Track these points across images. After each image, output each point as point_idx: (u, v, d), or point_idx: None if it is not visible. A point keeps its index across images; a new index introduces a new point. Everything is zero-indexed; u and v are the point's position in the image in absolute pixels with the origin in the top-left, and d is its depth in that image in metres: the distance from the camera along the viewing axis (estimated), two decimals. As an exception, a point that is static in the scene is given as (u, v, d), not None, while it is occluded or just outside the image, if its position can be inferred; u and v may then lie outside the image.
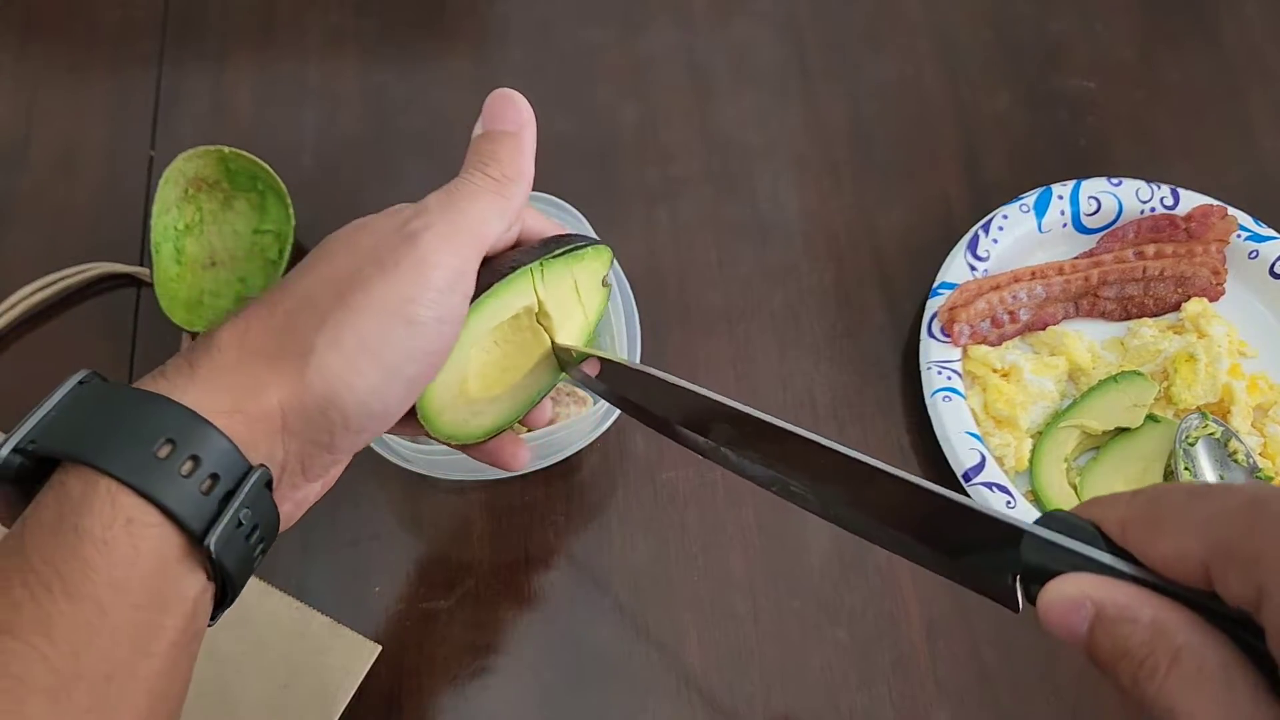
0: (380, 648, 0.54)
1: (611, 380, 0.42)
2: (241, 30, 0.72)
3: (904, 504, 0.31)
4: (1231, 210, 0.65)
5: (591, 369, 0.42)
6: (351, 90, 0.70)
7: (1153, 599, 0.25)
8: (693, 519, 0.58)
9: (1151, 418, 0.59)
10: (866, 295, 0.65)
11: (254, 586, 0.54)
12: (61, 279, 0.62)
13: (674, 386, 0.38)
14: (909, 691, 0.55)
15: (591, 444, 0.56)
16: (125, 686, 0.29)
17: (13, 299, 0.61)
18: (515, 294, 0.40)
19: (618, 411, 0.54)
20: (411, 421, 0.39)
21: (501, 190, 0.37)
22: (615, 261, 0.57)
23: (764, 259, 0.66)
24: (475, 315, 0.38)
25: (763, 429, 0.34)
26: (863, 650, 0.55)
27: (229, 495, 0.31)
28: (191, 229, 0.63)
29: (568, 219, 0.57)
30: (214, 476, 0.30)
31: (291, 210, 0.62)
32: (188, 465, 0.30)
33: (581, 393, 0.57)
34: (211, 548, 0.30)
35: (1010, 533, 0.28)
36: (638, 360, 0.55)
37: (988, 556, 0.29)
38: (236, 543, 0.31)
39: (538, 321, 0.42)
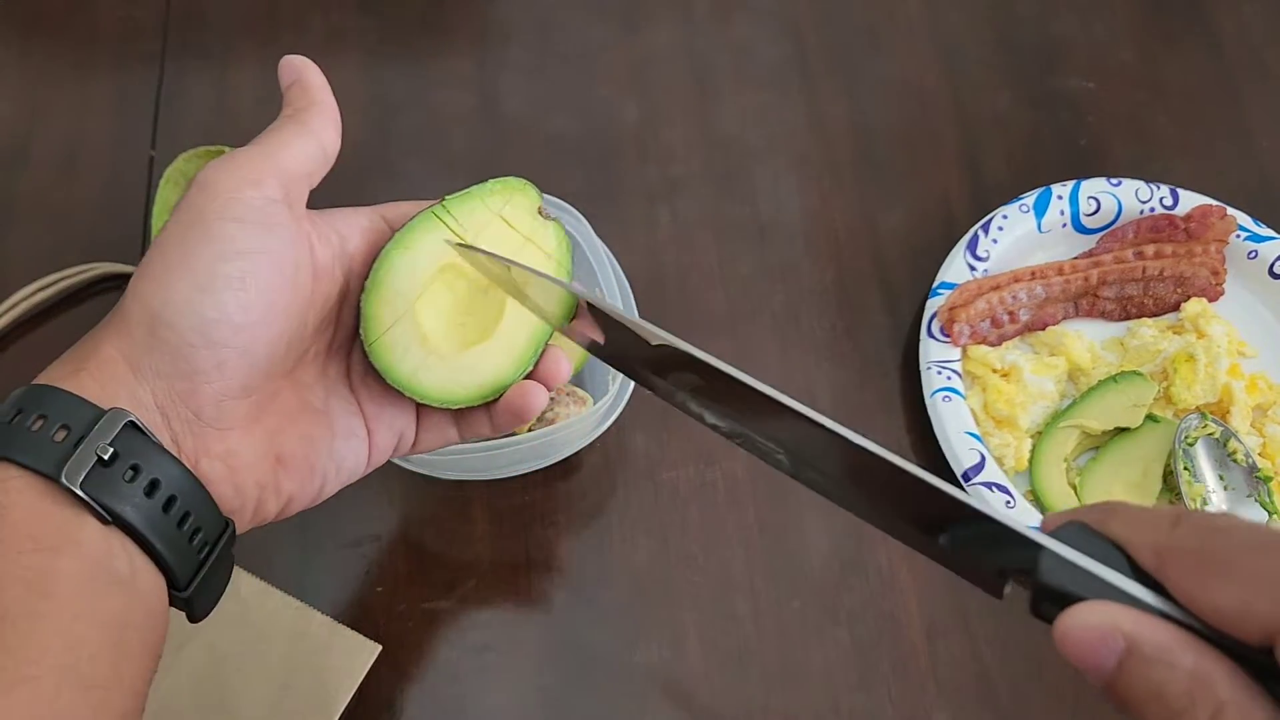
0: (380, 648, 0.54)
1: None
2: (243, 30, 0.72)
3: (901, 495, 0.31)
4: (1231, 210, 0.65)
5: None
6: (352, 89, 0.70)
7: (1194, 643, 0.23)
8: (693, 519, 0.58)
9: (1151, 418, 0.59)
10: (867, 295, 0.65)
11: (254, 586, 0.54)
12: (62, 279, 0.62)
13: (626, 327, 0.37)
14: (909, 692, 0.55)
15: (591, 444, 0.56)
16: (25, 626, 0.29)
17: (13, 299, 0.61)
18: (426, 235, 0.40)
19: (618, 411, 0.54)
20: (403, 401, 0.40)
21: (296, 117, 0.38)
22: (607, 252, 0.56)
23: (764, 259, 0.66)
24: (387, 265, 0.39)
25: (750, 395, 0.34)
26: (863, 651, 0.55)
27: (81, 439, 0.31)
28: (192, 229, 0.63)
29: (568, 219, 0.57)
30: (65, 427, 0.31)
31: (292, 210, 0.62)
32: (38, 422, 0.32)
33: (581, 392, 0.57)
34: (66, 482, 0.31)
35: (1023, 542, 0.26)
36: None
37: (981, 552, 0.28)
38: (115, 485, 0.31)
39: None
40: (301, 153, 0.37)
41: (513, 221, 0.42)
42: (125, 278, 0.64)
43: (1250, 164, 0.71)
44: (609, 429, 0.55)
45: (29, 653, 0.29)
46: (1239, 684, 0.23)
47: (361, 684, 0.53)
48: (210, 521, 0.34)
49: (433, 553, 0.57)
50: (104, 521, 0.32)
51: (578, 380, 0.60)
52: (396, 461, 0.53)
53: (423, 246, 0.40)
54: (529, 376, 0.42)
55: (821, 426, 0.31)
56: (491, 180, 0.42)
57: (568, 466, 0.59)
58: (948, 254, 0.64)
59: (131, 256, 0.64)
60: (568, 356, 0.43)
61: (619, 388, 0.54)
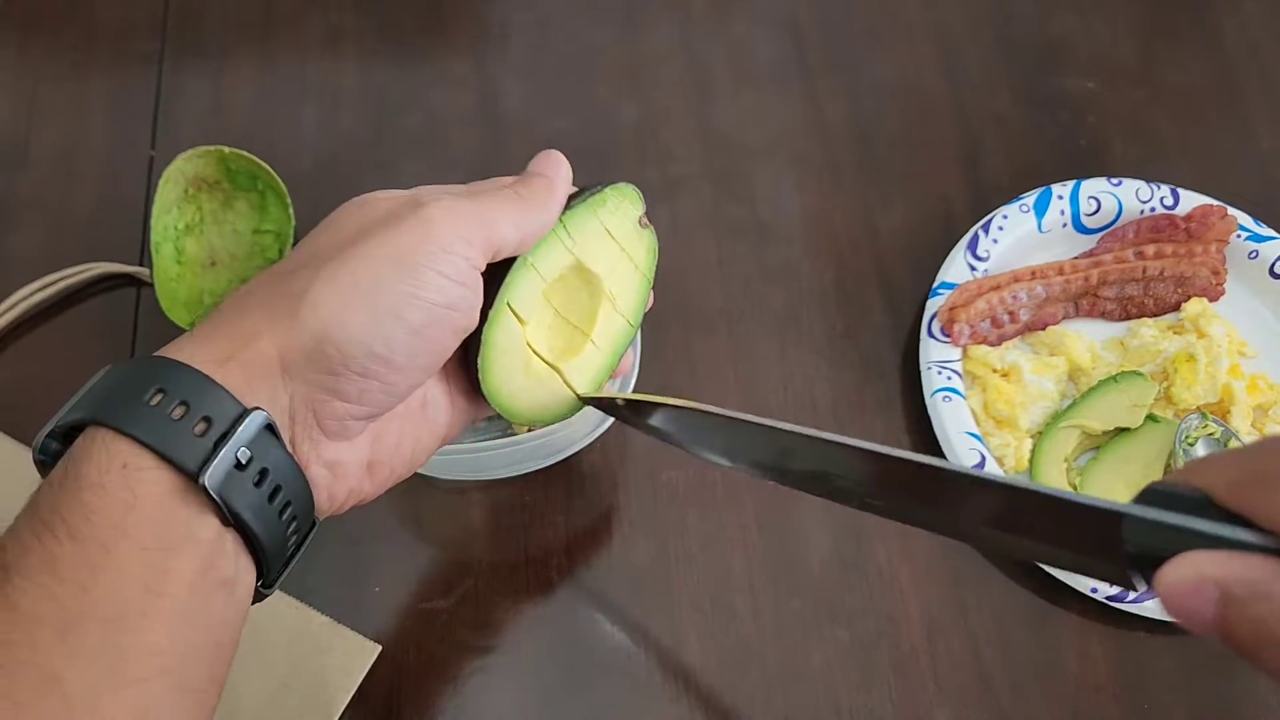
0: (380, 648, 0.54)
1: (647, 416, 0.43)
2: (241, 30, 0.72)
3: (986, 504, 0.30)
4: (1231, 210, 0.65)
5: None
6: (351, 89, 0.70)
7: None
8: (693, 519, 0.58)
9: (1151, 418, 0.59)
10: (866, 295, 0.65)
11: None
12: (61, 279, 0.62)
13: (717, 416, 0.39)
14: (909, 691, 0.55)
15: (591, 444, 0.56)
16: (137, 625, 0.30)
17: (13, 299, 0.61)
18: (546, 257, 0.40)
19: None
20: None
21: (522, 203, 0.38)
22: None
23: (764, 259, 0.66)
24: (511, 293, 0.39)
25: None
26: (863, 650, 0.55)
27: (224, 437, 0.31)
28: (192, 229, 0.63)
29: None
30: (206, 420, 0.31)
31: (291, 210, 0.62)
32: (179, 410, 0.31)
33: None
34: (206, 485, 0.31)
35: (1107, 518, 0.25)
36: (636, 363, 0.55)
37: (1088, 545, 0.26)
38: (244, 488, 0.32)
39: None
40: (514, 230, 0.38)
41: (614, 232, 0.43)
42: (125, 278, 0.64)
43: (1251, 163, 0.71)
44: (609, 429, 0.55)
45: (139, 653, 0.29)
46: None
47: (361, 684, 0.53)
48: (307, 524, 0.35)
49: (432, 553, 0.57)
50: (225, 523, 0.32)
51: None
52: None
53: (543, 268, 0.40)
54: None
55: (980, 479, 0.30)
56: (607, 188, 0.43)
57: (568, 466, 0.58)
58: (948, 254, 0.64)
59: (131, 256, 0.64)
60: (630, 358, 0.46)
61: (619, 388, 0.54)
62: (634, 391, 0.54)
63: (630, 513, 0.58)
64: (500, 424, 0.59)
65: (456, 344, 0.37)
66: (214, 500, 0.31)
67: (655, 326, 0.62)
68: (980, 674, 0.55)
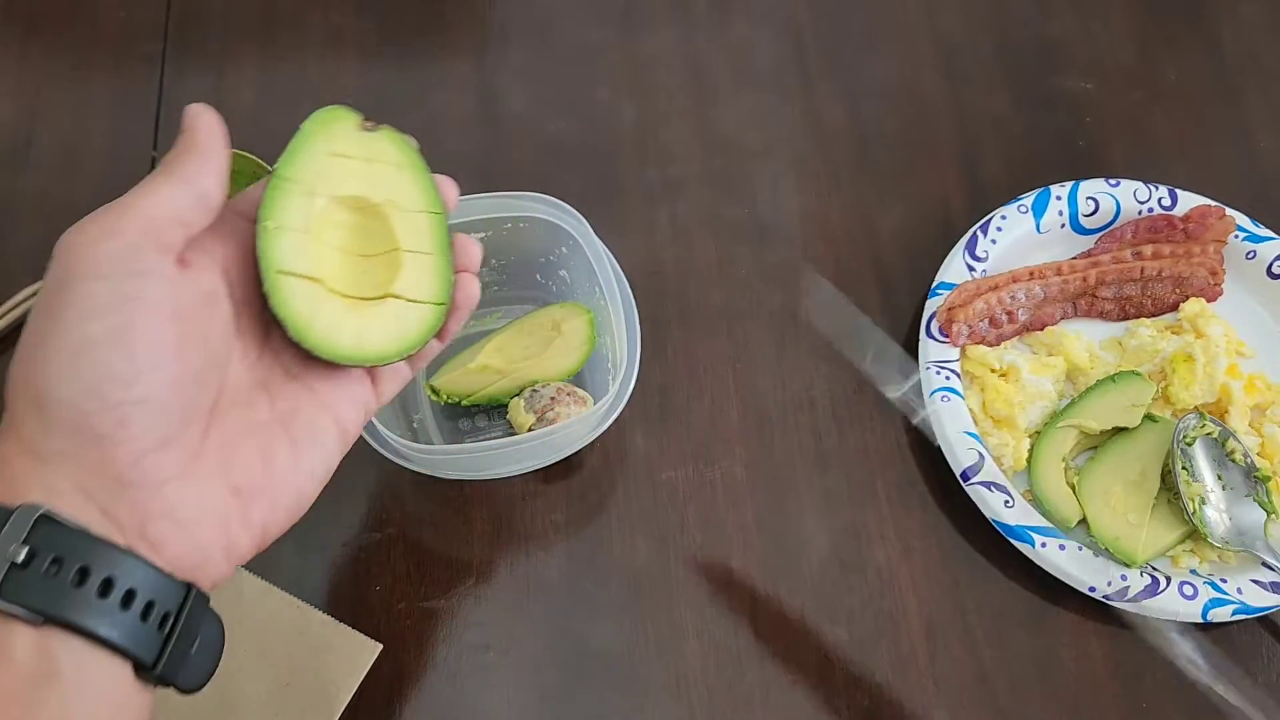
0: (381, 646, 0.54)
1: None
2: (243, 31, 0.72)
3: None
4: (1229, 211, 0.65)
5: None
6: (352, 90, 0.70)
7: None
8: (692, 518, 0.59)
9: (1149, 417, 0.59)
10: (865, 295, 0.65)
11: (254, 586, 0.54)
12: (63, 279, 0.62)
13: None
14: (908, 691, 0.55)
15: (591, 444, 0.57)
16: None
17: (15, 299, 0.61)
18: (284, 209, 0.38)
19: (618, 411, 0.54)
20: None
21: (167, 165, 0.36)
22: (607, 252, 0.56)
23: (763, 259, 0.66)
24: (266, 247, 0.37)
25: None
26: (862, 650, 0.56)
27: None
28: (193, 229, 0.64)
29: (567, 218, 0.57)
30: None
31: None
32: None
33: (581, 392, 0.57)
34: None
35: None
36: (636, 363, 0.55)
37: None
38: (39, 584, 0.30)
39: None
40: (168, 199, 0.35)
41: (346, 152, 0.41)
42: (126, 278, 0.64)
43: (1249, 164, 0.71)
44: (609, 429, 0.55)
45: None
46: None
47: (362, 683, 0.53)
48: (164, 591, 0.32)
49: (432, 552, 0.57)
50: (34, 624, 0.30)
51: (578, 380, 0.60)
52: (396, 461, 0.53)
53: (287, 215, 0.39)
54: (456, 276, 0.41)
55: None
56: (305, 122, 0.41)
57: (568, 466, 0.59)
58: (946, 254, 0.64)
59: (132, 257, 0.64)
60: (474, 241, 0.43)
61: (619, 388, 0.54)
62: (630, 395, 0.54)
63: (630, 512, 0.58)
64: (501, 424, 0.59)
65: (176, 327, 0.34)
66: (7, 610, 0.30)
67: (655, 326, 0.62)
68: (979, 673, 0.55)
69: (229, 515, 0.34)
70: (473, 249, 0.42)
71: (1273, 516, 0.57)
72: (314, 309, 0.38)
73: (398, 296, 0.40)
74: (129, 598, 0.31)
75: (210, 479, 0.34)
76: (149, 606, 0.32)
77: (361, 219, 0.41)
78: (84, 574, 0.31)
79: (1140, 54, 0.75)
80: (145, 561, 0.32)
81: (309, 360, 0.38)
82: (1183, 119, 0.73)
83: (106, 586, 0.31)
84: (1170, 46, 0.75)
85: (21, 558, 0.30)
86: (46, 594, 0.30)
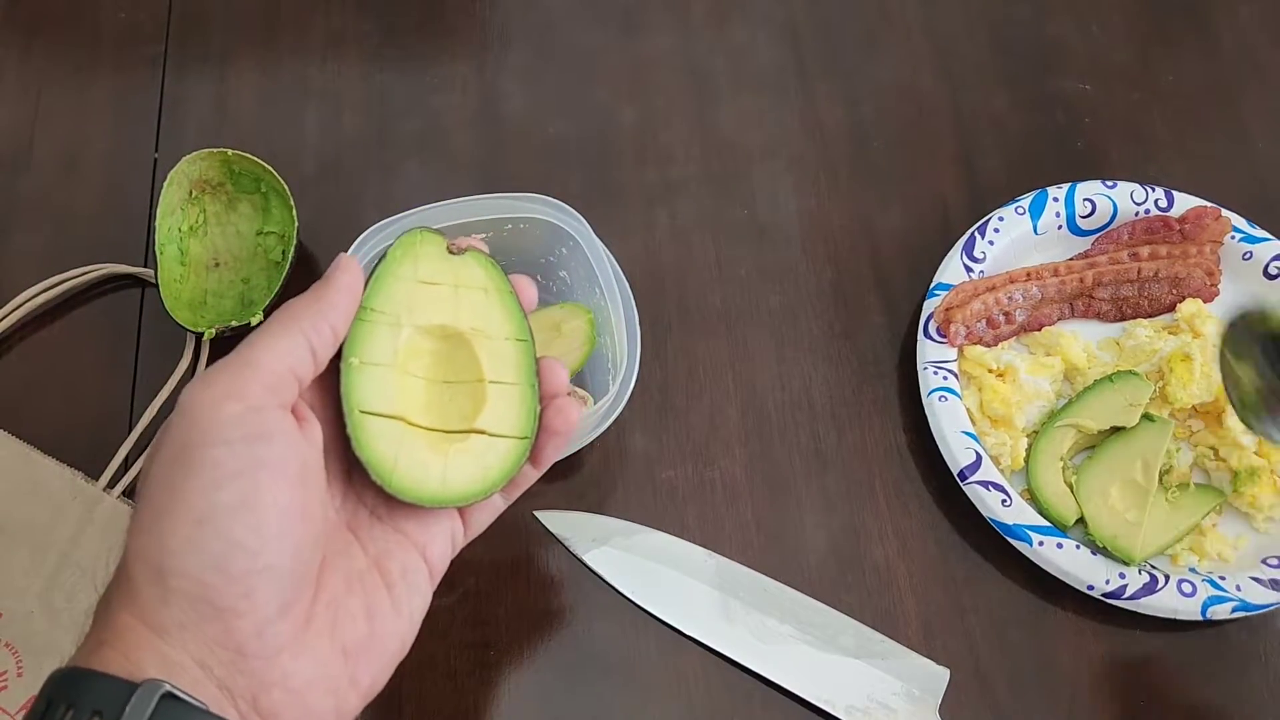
0: (382, 645, 0.54)
1: None
2: (244, 33, 0.73)
3: None
4: (1225, 212, 0.65)
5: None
6: (353, 92, 0.71)
7: None
8: (692, 518, 0.59)
9: (1147, 417, 0.59)
10: (864, 296, 0.66)
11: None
12: (66, 280, 0.62)
13: None
14: (906, 689, 0.55)
15: (591, 444, 0.57)
16: None
17: (17, 300, 0.62)
18: (368, 344, 0.37)
19: (618, 411, 0.55)
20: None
21: (288, 311, 0.35)
22: (606, 253, 0.57)
23: (762, 259, 0.66)
24: (355, 393, 0.36)
25: None
26: (860, 648, 0.56)
27: None
28: (195, 230, 0.64)
29: (567, 219, 0.57)
30: (97, 714, 0.29)
31: (294, 212, 0.62)
32: (68, 715, 0.29)
33: (582, 392, 0.58)
34: None
35: None
36: (636, 363, 0.55)
37: None
38: None
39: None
40: (286, 353, 0.34)
41: (432, 278, 0.40)
42: (129, 279, 0.64)
43: (1246, 166, 0.72)
44: (609, 429, 0.55)
45: None
46: None
47: (363, 682, 0.53)
48: None
49: (434, 552, 0.57)
50: None
51: (578, 380, 0.60)
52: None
53: (372, 349, 0.37)
54: (542, 400, 0.40)
55: None
56: (391, 247, 0.40)
57: (568, 466, 0.59)
58: (944, 255, 0.64)
59: (135, 258, 0.64)
60: (561, 363, 0.41)
61: (619, 388, 0.54)
62: (630, 395, 0.55)
63: (630, 512, 0.59)
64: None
65: (302, 489, 0.33)
66: None
67: (654, 327, 0.62)
68: (977, 672, 0.56)
69: (339, 677, 0.34)
70: (560, 373, 0.40)
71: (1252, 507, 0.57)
72: (397, 450, 0.37)
73: (482, 432, 0.39)
74: None
75: (320, 642, 0.33)
76: None
77: (447, 346, 0.40)
78: None
79: (1138, 55, 0.75)
80: None
81: (393, 500, 0.37)
82: (1181, 120, 0.73)
83: None
84: (1168, 48, 0.76)
85: None
86: None
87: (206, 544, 0.31)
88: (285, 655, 0.32)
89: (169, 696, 0.29)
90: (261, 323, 0.36)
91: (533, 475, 0.41)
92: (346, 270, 0.37)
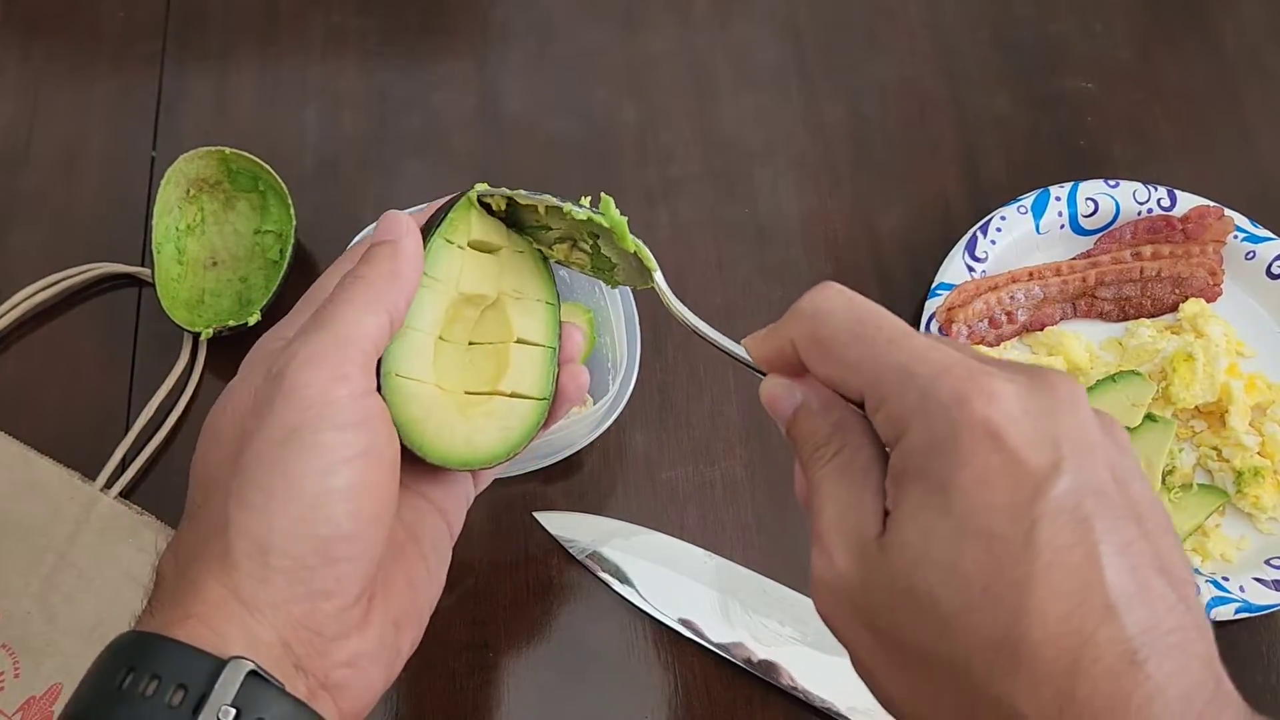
0: (381, 646, 0.54)
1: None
2: (243, 31, 0.72)
3: None
4: (1228, 211, 0.65)
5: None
6: (352, 90, 0.70)
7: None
8: (692, 518, 0.59)
9: (1150, 417, 0.59)
10: (865, 295, 0.65)
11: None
12: (63, 279, 0.62)
13: None
14: (907, 690, 0.55)
15: (591, 443, 0.57)
16: None
17: (15, 299, 0.61)
18: (422, 312, 0.38)
19: (618, 411, 0.54)
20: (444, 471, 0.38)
21: (371, 286, 0.35)
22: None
23: (763, 259, 0.66)
24: (390, 359, 0.37)
25: None
26: (861, 649, 0.56)
27: (202, 699, 0.29)
28: (193, 229, 0.64)
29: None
30: (182, 686, 0.29)
31: (293, 210, 0.62)
32: (152, 686, 0.29)
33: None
34: None
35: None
36: (636, 363, 0.55)
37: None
38: None
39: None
40: (375, 331, 0.35)
41: (482, 240, 0.40)
42: (126, 278, 0.64)
43: (1249, 165, 0.71)
44: (609, 429, 0.55)
45: None
46: (864, 432, 0.32)
47: (362, 683, 0.53)
48: None
49: (433, 552, 0.57)
50: None
51: (577, 380, 0.60)
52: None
53: (415, 318, 0.38)
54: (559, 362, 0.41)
55: None
56: (453, 211, 0.40)
57: (568, 466, 0.59)
58: (946, 255, 0.64)
59: (132, 257, 0.64)
60: (579, 327, 0.42)
61: (619, 388, 0.54)
62: (630, 395, 0.54)
63: (630, 512, 0.58)
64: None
65: (392, 475, 0.34)
66: None
67: (655, 327, 0.62)
68: (979, 673, 0.55)
69: (391, 648, 0.35)
70: (577, 338, 0.42)
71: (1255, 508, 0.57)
72: (427, 414, 0.37)
73: (504, 394, 0.39)
74: None
75: (379, 619, 0.34)
76: None
77: (482, 309, 0.40)
78: None
79: (1141, 54, 0.75)
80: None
81: (414, 463, 0.37)
82: (1183, 119, 0.73)
83: None
84: (1171, 47, 0.75)
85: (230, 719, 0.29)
86: None
87: (316, 528, 0.32)
88: (355, 635, 0.33)
89: (253, 675, 0.30)
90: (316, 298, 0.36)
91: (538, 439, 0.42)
92: (412, 237, 0.37)
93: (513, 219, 0.41)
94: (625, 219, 0.38)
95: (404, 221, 0.37)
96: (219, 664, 0.30)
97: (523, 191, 0.39)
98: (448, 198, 0.40)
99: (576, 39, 0.73)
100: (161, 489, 0.59)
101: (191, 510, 0.34)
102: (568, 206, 0.38)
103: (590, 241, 0.40)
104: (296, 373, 0.33)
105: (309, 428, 0.32)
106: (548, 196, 0.39)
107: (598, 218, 0.38)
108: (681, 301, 0.39)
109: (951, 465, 0.28)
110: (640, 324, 0.56)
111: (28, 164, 0.67)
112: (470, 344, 0.40)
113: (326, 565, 0.32)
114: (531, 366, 0.40)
